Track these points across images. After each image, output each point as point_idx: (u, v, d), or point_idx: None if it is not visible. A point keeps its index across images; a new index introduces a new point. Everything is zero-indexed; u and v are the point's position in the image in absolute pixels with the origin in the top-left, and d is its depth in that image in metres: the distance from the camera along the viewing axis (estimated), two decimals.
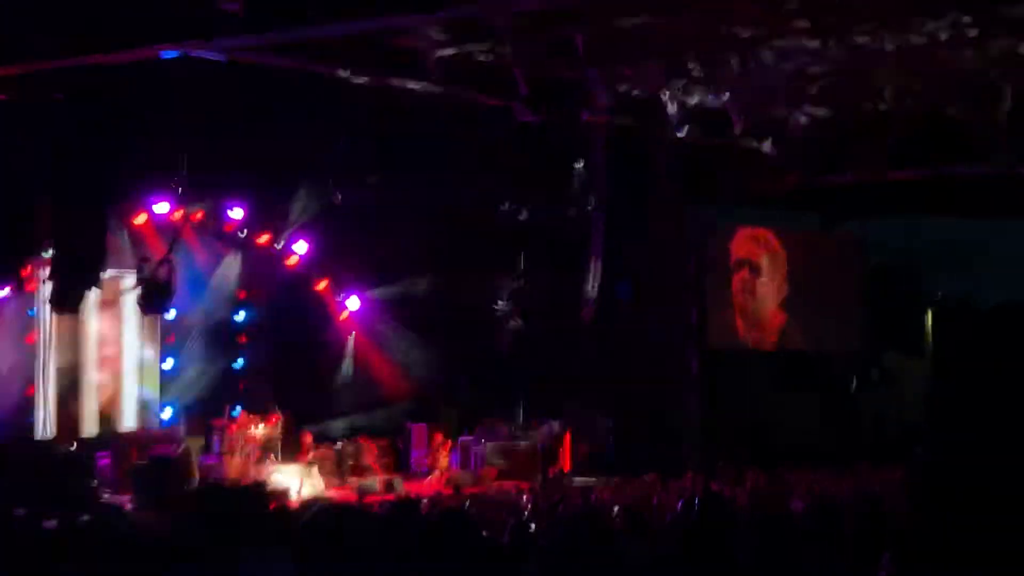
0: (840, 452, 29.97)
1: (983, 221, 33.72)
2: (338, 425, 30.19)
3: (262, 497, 11.56)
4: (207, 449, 27.27)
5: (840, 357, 35.83)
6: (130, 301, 26.40)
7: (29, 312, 26.03)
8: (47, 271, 24.06)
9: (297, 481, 25.41)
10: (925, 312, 35.09)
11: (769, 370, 34.52)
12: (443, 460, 29.07)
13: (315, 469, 26.80)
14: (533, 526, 15.27)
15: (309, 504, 18.71)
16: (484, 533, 12.33)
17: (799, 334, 35.03)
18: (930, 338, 34.55)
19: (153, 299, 25.47)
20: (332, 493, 25.22)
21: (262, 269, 30.22)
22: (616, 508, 19.05)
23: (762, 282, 34.61)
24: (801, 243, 35.42)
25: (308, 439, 28.12)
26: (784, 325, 34.90)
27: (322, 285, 30.91)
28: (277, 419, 28.04)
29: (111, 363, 28.60)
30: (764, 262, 34.78)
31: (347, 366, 31.34)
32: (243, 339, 30.42)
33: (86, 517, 3.62)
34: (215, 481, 21.55)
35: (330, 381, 31.11)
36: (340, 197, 27.38)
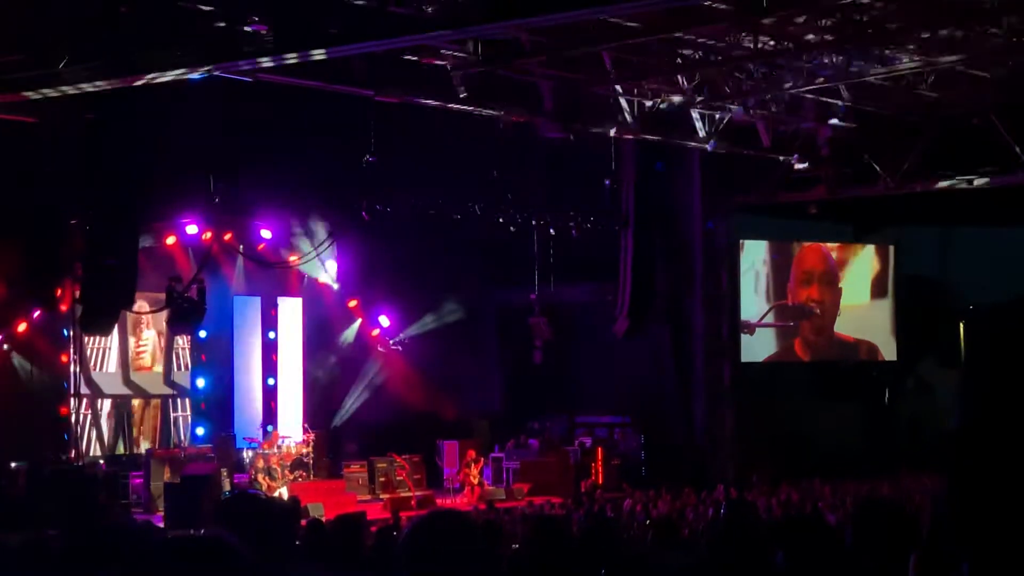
0: (877, 462, 29.91)
1: (1015, 230, 33.55)
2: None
3: (295, 512, 11.67)
4: (240, 467, 27.38)
5: (875, 367, 35.67)
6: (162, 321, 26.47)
7: (63, 332, 26.19)
8: (79, 292, 24.18)
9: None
10: (958, 322, 34.91)
11: (803, 381, 34.42)
12: (475, 476, 29.09)
13: None
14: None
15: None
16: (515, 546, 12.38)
17: (843, 344, 34.86)
18: (963, 349, 34.31)
19: (184, 319, 25.57)
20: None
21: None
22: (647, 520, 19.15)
23: (819, 295, 34.53)
24: (843, 254, 35.28)
25: None
26: (838, 335, 34.77)
27: (353, 303, 31.02)
28: (309, 437, 28.12)
29: (145, 382, 28.84)
30: (824, 275, 34.67)
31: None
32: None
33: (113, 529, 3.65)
34: (248, 492, 21.57)
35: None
36: (368, 215, 27.39)
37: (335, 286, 30.77)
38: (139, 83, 18.80)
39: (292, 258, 29.49)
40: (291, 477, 26.92)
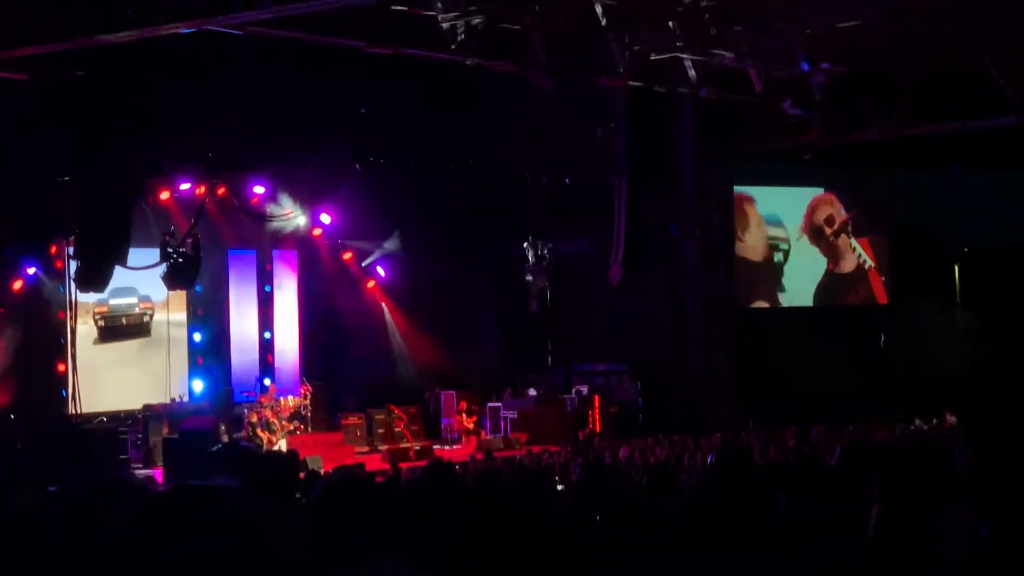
0: (872, 405, 29.97)
1: (1008, 173, 33.56)
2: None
3: (294, 464, 11.68)
4: (238, 421, 27.46)
5: (869, 311, 35.76)
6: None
7: (59, 289, 26.21)
8: (73, 249, 24.19)
9: None
10: (953, 265, 34.99)
11: (799, 326, 34.46)
12: (471, 426, 29.22)
13: None
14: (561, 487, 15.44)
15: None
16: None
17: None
18: (959, 291, 34.40)
19: (179, 274, 25.58)
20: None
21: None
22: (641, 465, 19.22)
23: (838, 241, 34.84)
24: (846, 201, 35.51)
25: None
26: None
27: (348, 256, 31.03)
28: (307, 391, 28.20)
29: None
30: (836, 221, 34.88)
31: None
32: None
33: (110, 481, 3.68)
34: (238, 443, 21.62)
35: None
36: (360, 166, 27.41)
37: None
38: (130, 38, 18.74)
39: (287, 211, 29.48)
40: (289, 429, 27.03)
